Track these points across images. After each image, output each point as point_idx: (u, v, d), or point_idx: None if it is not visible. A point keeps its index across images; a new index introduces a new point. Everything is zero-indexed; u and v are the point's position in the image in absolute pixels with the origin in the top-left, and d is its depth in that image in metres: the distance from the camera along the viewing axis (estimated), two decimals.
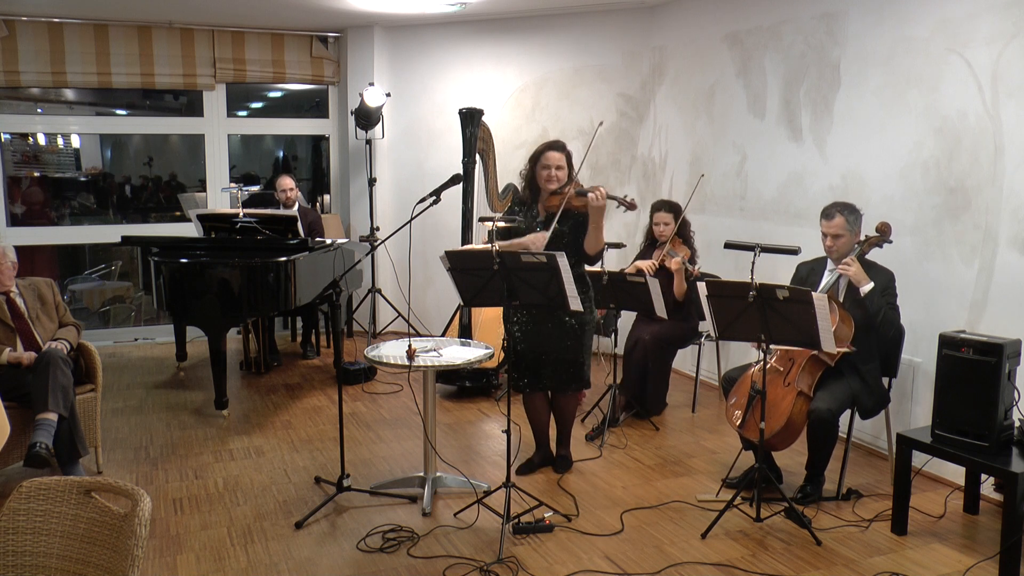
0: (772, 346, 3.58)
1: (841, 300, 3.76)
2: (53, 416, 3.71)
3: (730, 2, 5.45)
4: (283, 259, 4.88)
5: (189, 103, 7.33)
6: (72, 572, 1.95)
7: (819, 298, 3.25)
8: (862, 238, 3.81)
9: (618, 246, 5.25)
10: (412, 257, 5.86)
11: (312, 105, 7.79)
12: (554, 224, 3.70)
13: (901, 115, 4.24)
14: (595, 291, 4.61)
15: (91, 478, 2.17)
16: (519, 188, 5.84)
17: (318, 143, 8.04)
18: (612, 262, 5.08)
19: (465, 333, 5.46)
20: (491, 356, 3.81)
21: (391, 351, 3.73)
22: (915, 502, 3.60)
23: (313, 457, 4.34)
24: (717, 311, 3.51)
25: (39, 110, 7.18)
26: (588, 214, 3.63)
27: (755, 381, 3.67)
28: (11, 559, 1.94)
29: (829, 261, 3.90)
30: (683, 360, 5.74)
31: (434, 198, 3.66)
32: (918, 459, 3.54)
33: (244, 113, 7.76)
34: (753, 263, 3.66)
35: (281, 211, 5.87)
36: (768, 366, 3.65)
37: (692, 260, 4.94)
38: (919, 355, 4.11)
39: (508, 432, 3.47)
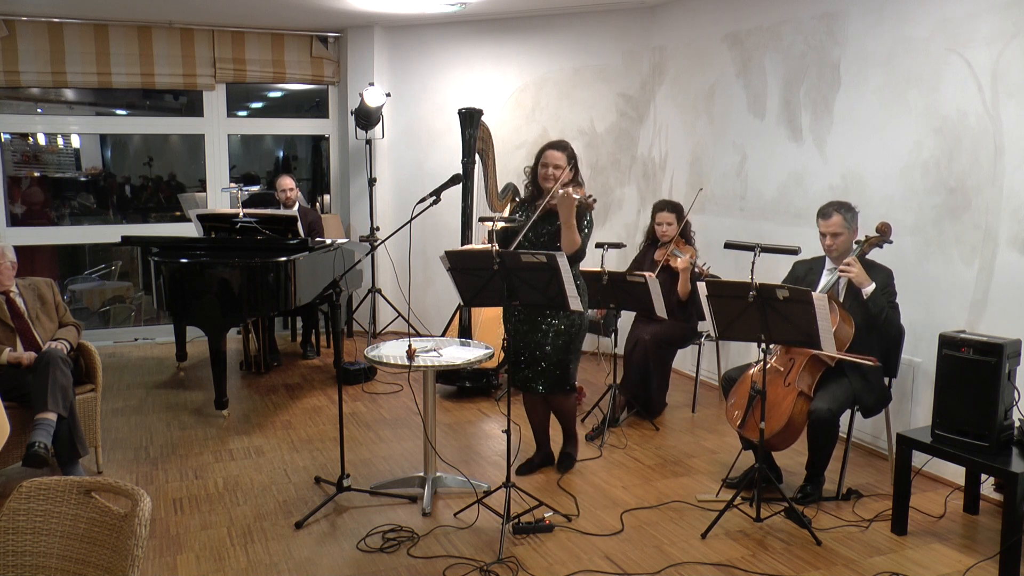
0: (772, 345, 3.58)
1: (841, 300, 3.76)
2: (52, 416, 3.71)
3: (730, 2, 5.45)
4: (283, 259, 4.88)
5: (189, 103, 7.33)
6: (72, 572, 1.95)
7: (819, 298, 3.25)
8: (861, 238, 3.81)
9: (618, 246, 5.25)
10: (412, 257, 5.86)
11: (312, 105, 7.79)
12: (530, 221, 3.69)
13: (901, 115, 4.24)
14: (596, 291, 4.63)
15: (91, 478, 2.17)
16: (518, 188, 5.84)
17: (318, 143, 8.04)
18: (612, 262, 5.07)
19: (465, 333, 5.47)
20: (491, 356, 3.81)
21: (391, 351, 3.73)
22: (915, 502, 3.60)
23: (313, 457, 4.34)
24: (717, 311, 3.51)
25: (39, 110, 7.18)
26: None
27: (755, 381, 3.67)
28: (11, 559, 1.94)
29: (828, 260, 3.90)
30: (683, 360, 5.74)
31: (434, 198, 3.66)
32: (918, 459, 3.54)
33: (244, 113, 7.76)
34: (753, 263, 3.66)
35: (281, 211, 5.86)
36: (768, 366, 3.65)
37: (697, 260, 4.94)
38: (919, 355, 4.11)
39: (508, 432, 3.47)
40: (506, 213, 5.93)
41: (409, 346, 3.66)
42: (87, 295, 7.89)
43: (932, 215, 4.08)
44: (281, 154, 8.79)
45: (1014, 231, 3.70)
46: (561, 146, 3.83)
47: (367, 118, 6.72)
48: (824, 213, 3.82)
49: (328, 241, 5.80)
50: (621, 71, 6.39)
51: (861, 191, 4.44)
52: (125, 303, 8.00)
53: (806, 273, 3.96)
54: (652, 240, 5.11)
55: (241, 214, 5.52)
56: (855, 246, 3.79)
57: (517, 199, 6.09)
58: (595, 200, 3.66)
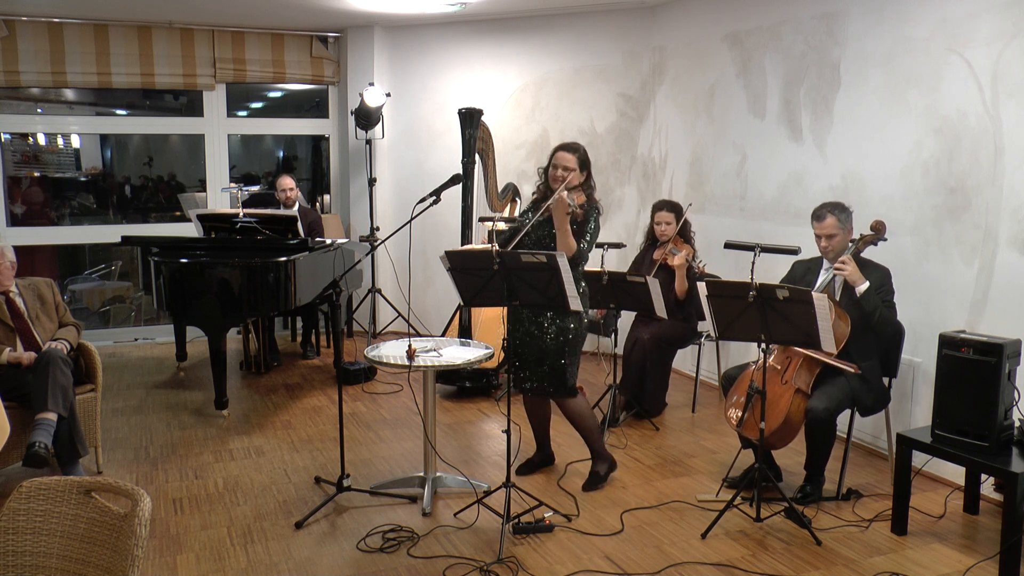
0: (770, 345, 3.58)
1: (837, 299, 3.76)
2: (52, 416, 3.71)
3: (730, 2, 5.45)
4: (283, 259, 4.88)
5: (189, 103, 7.33)
6: (72, 572, 1.95)
7: (819, 298, 3.25)
8: (856, 236, 3.81)
9: (618, 246, 5.25)
10: (412, 257, 5.85)
11: (312, 105, 7.79)
12: (531, 222, 3.69)
13: (901, 115, 4.24)
14: (596, 291, 4.62)
15: (91, 478, 2.17)
16: (518, 187, 5.84)
17: (318, 143, 8.04)
18: (612, 262, 5.08)
19: (465, 333, 5.47)
20: (491, 356, 3.81)
21: (391, 351, 3.73)
22: (915, 502, 3.60)
23: (313, 457, 4.34)
24: (717, 311, 3.51)
25: (39, 110, 7.18)
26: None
27: (754, 380, 3.67)
28: (11, 559, 1.94)
29: (825, 260, 3.90)
30: (683, 360, 5.74)
31: (434, 198, 3.66)
32: (918, 459, 3.54)
33: (244, 113, 7.76)
34: (753, 263, 3.66)
35: (281, 211, 5.87)
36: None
37: (694, 258, 4.94)
38: (919, 355, 4.11)
39: (508, 432, 3.47)
40: (506, 213, 5.95)
41: (409, 346, 3.66)
42: (87, 295, 7.89)
43: (932, 215, 4.08)
44: (281, 154, 8.79)
45: (1014, 231, 3.70)
46: (572, 148, 3.81)
47: (367, 118, 6.72)
48: (818, 216, 3.82)
49: (328, 241, 5.80)
50: (621, 71, 6.39)
51: (861, 191, 4.44)
52: (125, 303, 8.00)
53: (804, 273, 3.96)
54: (652, 240, 5.11)
55: (241, 214, 5.52)
56: (850, 245, 3.79)
57: (518, 199, 6.11)
58: (584, 209, 3.65)
